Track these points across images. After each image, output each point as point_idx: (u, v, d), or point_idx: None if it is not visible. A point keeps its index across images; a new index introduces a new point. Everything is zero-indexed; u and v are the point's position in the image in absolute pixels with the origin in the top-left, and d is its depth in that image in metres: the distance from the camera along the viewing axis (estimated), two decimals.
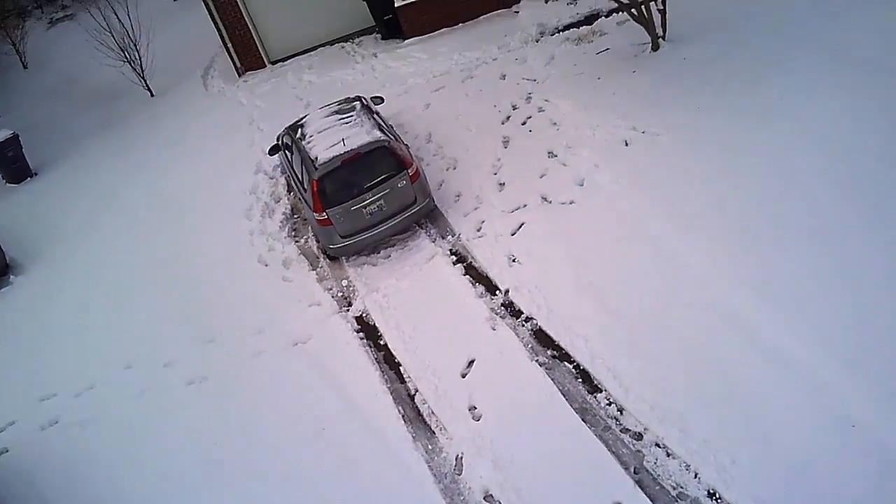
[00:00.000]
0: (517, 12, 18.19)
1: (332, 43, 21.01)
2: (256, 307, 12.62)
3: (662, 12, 14.63)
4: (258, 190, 15.78)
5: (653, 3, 14.54)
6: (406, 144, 13.75)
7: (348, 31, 20.81)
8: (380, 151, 12.62)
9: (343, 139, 12.80)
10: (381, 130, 13.03)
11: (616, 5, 14.99)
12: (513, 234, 12.20)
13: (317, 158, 12.74)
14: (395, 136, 13.46)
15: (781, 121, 11.96)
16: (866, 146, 10.94)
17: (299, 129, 13.86)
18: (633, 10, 14.52)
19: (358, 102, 14.06)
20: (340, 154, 12.60)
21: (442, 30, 18.99)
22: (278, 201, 15.25)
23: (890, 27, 12.85)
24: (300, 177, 13.32)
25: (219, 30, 21.24)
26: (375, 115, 13.87)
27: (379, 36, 20.15)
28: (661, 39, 14.78)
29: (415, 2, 18.87)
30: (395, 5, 19.07)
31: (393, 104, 16.66)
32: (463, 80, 16.73)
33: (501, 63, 16.78)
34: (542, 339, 10.42)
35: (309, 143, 13.26)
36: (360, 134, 12.90)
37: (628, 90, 14.04)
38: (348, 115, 13.63)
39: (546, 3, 16.51)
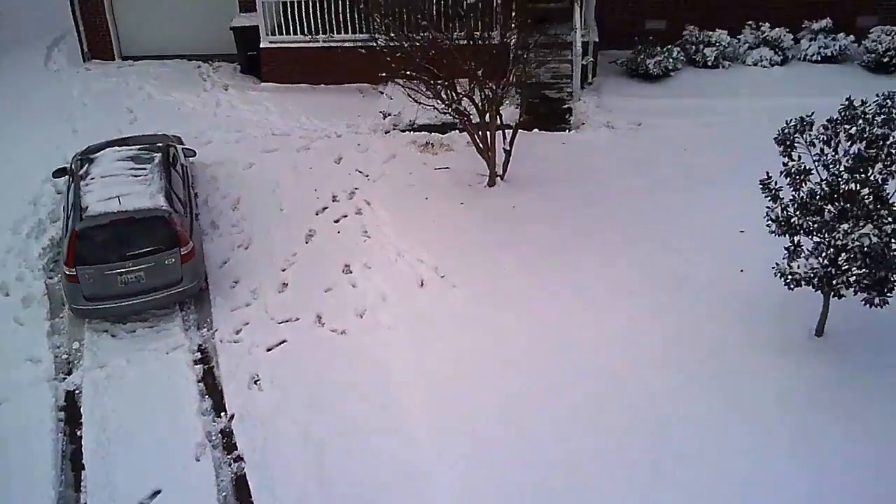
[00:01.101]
0: (382, 92, 17.24)
1: (190, 58, 19.59)
2: None
3: (507, 152, 13.95)
4: (40, 202, 14.25)
5: (504, 138, 13.86)
6: (197, 213, 12.59)
7: (211, 51, 19.42)
8: (156, 221, 11.40)
9: (121, 196, 11.51)
10: (169, 197, 11.79)
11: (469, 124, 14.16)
12: (269, 350, 11.13)
13: (86, 208, 11.44)
14: (185, 202, 12.27)
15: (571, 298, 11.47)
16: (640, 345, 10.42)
17: (87, 165, 12.49)
18: (477, 139, 13.78)
19: (160, 154, 12.73)
20: (112, 212, 11.32)
21: (302, 85, 17.85)
22: (55, 222, 13.72)
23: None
24: (66, 218, 11.93)
25: (73, 8, 19.56)
26: (175, 171, 12.64)
27: (239, 68, 18.87)
28: (499, 178, 14.09)
29: (282, 49, 17.70)
30: (261, 45, 17.86)
31: (219, 151, 15.48)
32: (299, 148, 15.63)
33: (343, 143, 15.78)
34: (241, 490, 9.32)
35: (87, 185, 11.95)
36: (142, 195, 11.66)
37: (449, 223, 13.25)
38: (143, 166, 12.37)
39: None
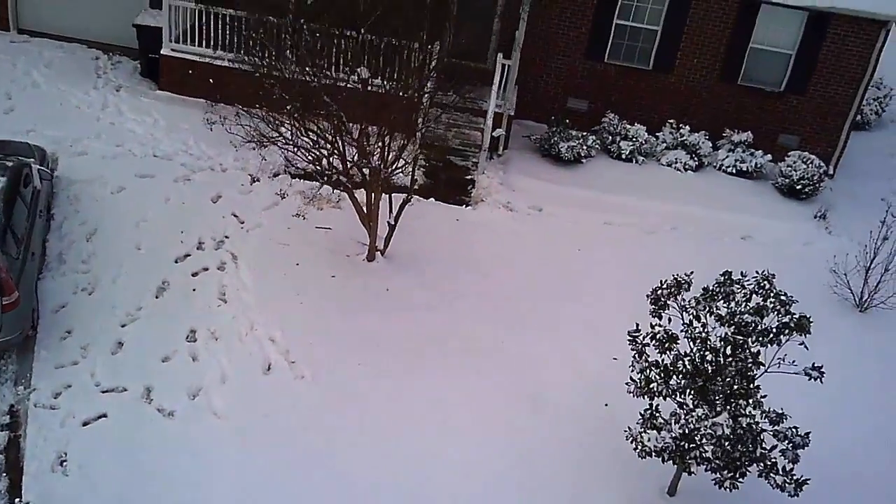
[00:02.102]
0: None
1: (91, 45, 18.26)
2: None
3: (391, 227, 13.16)
4: None
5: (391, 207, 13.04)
6: (45, 241, 11.63)
7: (115, 42, 18.12)
8: None
9: None
10: (1, 237, 10.67)
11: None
12: (85, 425, 10.15)
13: None
14: (24, 237, 11.18)
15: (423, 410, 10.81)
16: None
17: None
18: (358, 204, 12.90)
19: (6, 178, 11.52)
20: None
21: (200, 100, 16.71)
22: None
23: None
24: None
25: None
26: (21, 200, 11.52)
27: (139, 69, 17.62)
28: (379, 252, 13.29)
29: (184, 59, 16.55)
30: (161, 52, 16.67)
31: (91, 166, 14.35)
32: (178, 178, 14.56)
33: (227, 180, 14.76)
34: None
35: None
36: None
37: (314, 298, 12.41)
38: None
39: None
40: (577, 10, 17.06)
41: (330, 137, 12.29)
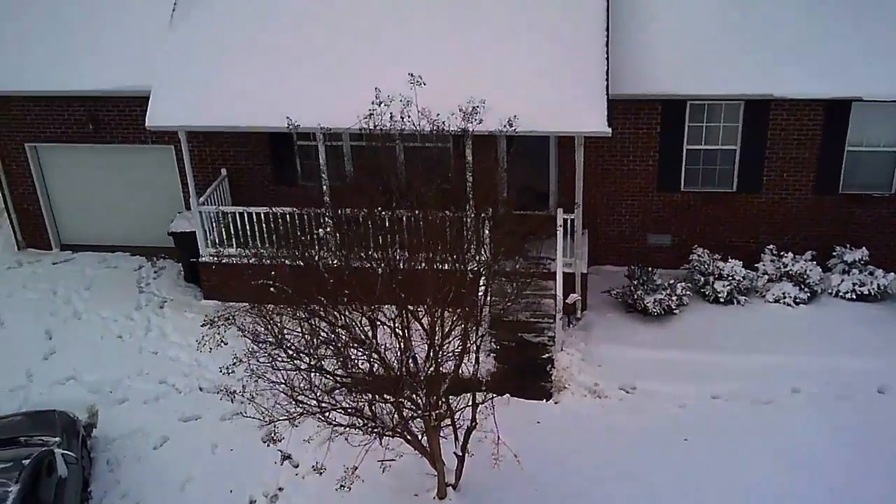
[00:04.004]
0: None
1: (134, 252, 17.42)
2: None
3: (460, 458, 11.38)
4: None
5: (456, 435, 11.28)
6: None
7: (158, 244, 17.21)
8: None
9: None
10: None
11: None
12: None
13: None
14: None
15: None
16: None
17: None
18: (414, 441, 11.13)
19: (27, 475, 10.24)
20: None
21: (245, 305, 15.37)
22: None
23: None
24: None
25: (2, 193, 17.51)
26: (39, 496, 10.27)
27: (182, 274, 16.56)
28: (451, 488, 11.52)
29: (222, 264, 15.28)
30: (200, 258, 15.55)
31: (131, 416, 13.31)
32: (225, 415, 13.00)
33: (278, 411, 13.26)
34: None
35: None
36: None
37: None
38: None
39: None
40: (641, 142, 15.23)
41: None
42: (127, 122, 16.64)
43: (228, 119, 14.43)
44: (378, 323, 10.84)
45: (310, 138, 15.25)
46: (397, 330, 10.59)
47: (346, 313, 11.03)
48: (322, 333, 10.78)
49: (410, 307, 10.75)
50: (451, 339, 11.03)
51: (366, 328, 10.75)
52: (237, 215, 15.33)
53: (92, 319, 15.49)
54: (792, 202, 15.18)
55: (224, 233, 15.49)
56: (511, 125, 12.80)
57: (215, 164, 16.73)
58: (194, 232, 15.64)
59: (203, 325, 11.07)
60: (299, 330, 10.52)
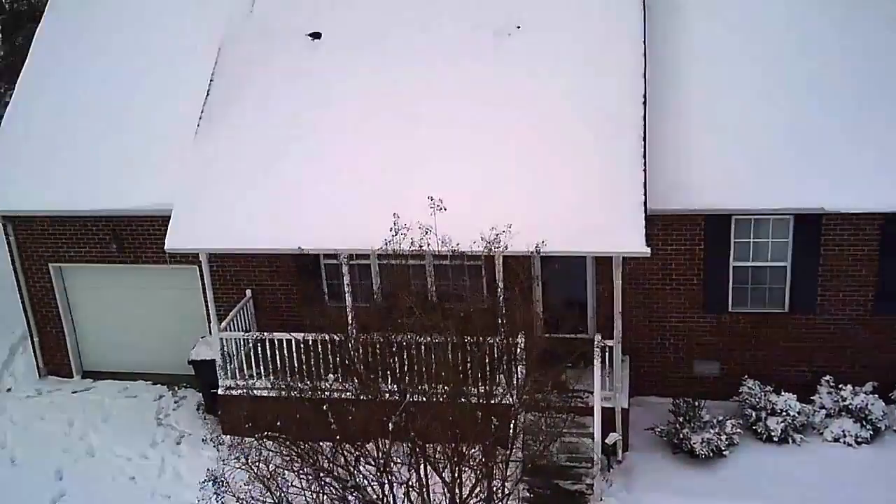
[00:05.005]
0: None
1: (157, 379, 16.78)
2: None
3: None
4: None
5: None
6: None
7: (182, 371, 16.43)
8: None
9: None
10: None
11: None
12: None
13: None
14: None
15: None
16: None
17: None
18: None
19: None
20: None
21: (270, 444, 14.52)
22: None
23: None
24: None
25: (27, 317, 17.10)
26: None
27: (203, 405, 15.81)
28: None
29: (243, 396, 14.47)
30: (219, 390, 14.79)
31: None
32: None
33: None
34: None
35: None
36: None
37: None
38: None
39: None
40: (684, 259, 14.25)
41: None
42: (151, 241, 16.17)
43: (249, 241, 13.84)
44: (392, 479, 9.95)
45: (336, 257, 14.61)
46: (413, 491, 9.67)
47: (358, 466, 10.24)
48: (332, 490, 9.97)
49: (429, 452, 9.92)
50: (476, 494, 10.08)
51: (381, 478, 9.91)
52: (258, 342, 14.58)
53: (105, 458, 14.73)
54: (850, 324, 13.99)
55: (245, 361, 14.76)
56: (538, 251, 11.99)
57: (240, 284, 16.14)
58: (215, 360, 14.94)
59: (204, 482, 10.25)
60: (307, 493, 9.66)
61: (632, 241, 12.54)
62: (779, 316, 14.22)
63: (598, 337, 13.23)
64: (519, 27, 14.67)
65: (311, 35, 15.39)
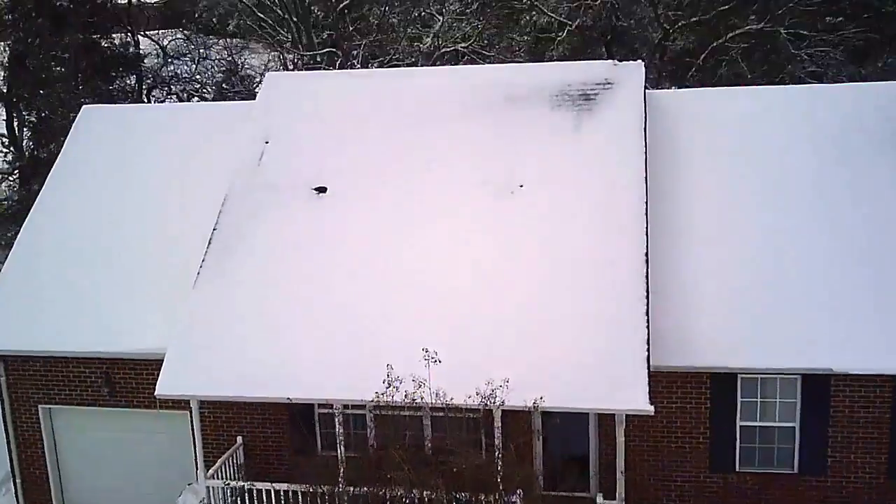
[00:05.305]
0: None
1: None
2: None
3: None
4: None
5: None
6: None
7: None
8: None
9: None
10: None
11: None
12: None
13: None
14: None
15: None
16: None
17: None
18: None
19: None
20: None
21: None
22: None
23: None
24: None
25: (10, 456, 16.61)
26: None
27: None
28: None
29: None
30: None
31: None
32: None
33: None
34: None
35: None
36: None
37: None
38: None
39: None
40: (690, 417, 13.83)
41: None
42: (143, 385, 15.85)
43: (240, 389, 13.54)
44: None
45: (331, 406, 14.24)
46: None
47: None
48: None
49: None
50: None
51: None
52: (246, 491, 14.04)
53: None
54: (863, 487, 13.40)
55: None
56: (536, 407, 11.63)
57: (231, 430, 15.70)
58: None
59: None
60: None
61: (635, 398, 12.19)
62: (788, 476, 13.68)
63: (599, 497, 12.69)
64: (522, 186, 14.78)
65: (316, 189, 15.54)
